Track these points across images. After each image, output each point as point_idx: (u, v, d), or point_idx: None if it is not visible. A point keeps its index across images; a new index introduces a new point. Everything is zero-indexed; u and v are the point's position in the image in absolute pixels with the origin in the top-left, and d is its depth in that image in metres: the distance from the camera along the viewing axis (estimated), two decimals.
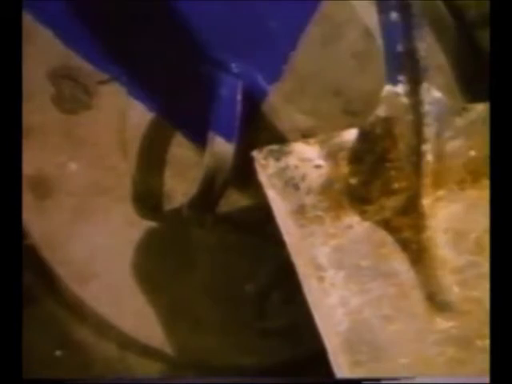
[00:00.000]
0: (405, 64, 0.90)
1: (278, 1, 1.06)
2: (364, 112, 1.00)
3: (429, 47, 0.92)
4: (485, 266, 0.89)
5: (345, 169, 0.95)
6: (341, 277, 0.94)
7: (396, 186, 0.93)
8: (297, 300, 0.96)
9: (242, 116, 1.08)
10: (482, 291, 0.89)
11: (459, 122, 0.91)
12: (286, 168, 0.98)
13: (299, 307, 0.96)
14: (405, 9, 0.90)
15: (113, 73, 1.11)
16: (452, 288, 0.91)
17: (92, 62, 1.10)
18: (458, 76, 1.05)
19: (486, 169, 0.90)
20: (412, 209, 0.93)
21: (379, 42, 0.95)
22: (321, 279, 0.94)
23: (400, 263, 0.93)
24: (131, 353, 1.26)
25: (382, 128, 0.92)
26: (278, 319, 1.23)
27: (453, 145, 0.92)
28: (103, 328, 1.24)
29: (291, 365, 1.23)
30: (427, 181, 0.92)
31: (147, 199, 1.18)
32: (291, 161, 0.97)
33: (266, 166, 0.99)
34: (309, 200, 0.97)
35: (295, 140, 1.05)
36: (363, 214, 0.94)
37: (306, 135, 1.08)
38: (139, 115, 1.13)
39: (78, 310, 1.24)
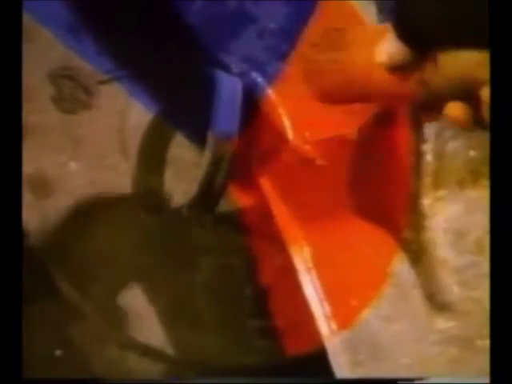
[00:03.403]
0: None
1: (277, 1, 1.06)
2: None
3: None
4: (485, 266, 0.89)
5: None
6: None
7: None
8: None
9: (242, 116, 1.08)
10: (482, 291, 0.89)
11: None
12: None
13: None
14: None
15: (113, 73, 1.11)
16: (452, 288, 0.91)
17: (92, 62, 1.10)
18: None
19: (486, 169, 0.90)
20: (412, 209, 0.93)
21: None
22: None
23: (400, 263, 0.93)
24: (131, 353, 1.26)
25: None
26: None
27: (453, 145, 0.92)
28: (103, 328, 1.24)
29: (291, 365, 1.23)
30: (427, 181, 0.92)
31: (147, 199, 1.18)
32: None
33: None
34: None
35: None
36: None
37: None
38: (139, 115, 1.13)
39: (78, 310, 1.24)
